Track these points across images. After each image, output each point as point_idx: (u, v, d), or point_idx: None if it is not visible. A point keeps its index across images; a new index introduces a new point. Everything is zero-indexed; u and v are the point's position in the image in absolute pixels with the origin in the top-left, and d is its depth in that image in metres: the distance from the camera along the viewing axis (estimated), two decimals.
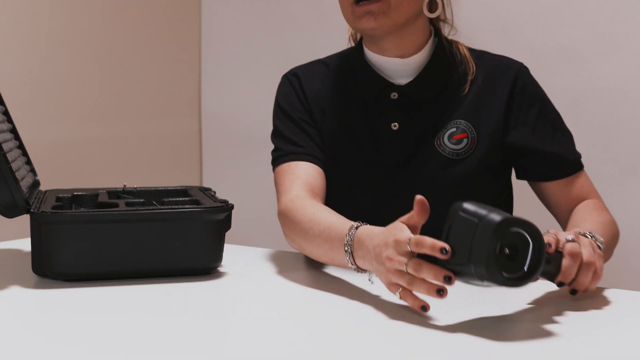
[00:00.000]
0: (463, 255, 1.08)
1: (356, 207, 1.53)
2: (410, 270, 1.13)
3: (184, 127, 3.15)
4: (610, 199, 1.67)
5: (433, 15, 1.54)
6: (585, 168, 1.57)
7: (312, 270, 1.46)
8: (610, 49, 2.39)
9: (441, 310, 1.15)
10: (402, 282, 1.15)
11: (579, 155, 1.57)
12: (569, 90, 2.39)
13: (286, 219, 1.46)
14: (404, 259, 1.14)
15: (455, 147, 1.52)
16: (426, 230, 1.18)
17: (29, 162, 1.66)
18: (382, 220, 1.43)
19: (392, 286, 1.17)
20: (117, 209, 1.39)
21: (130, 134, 2.92)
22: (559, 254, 1.19)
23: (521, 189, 1.65)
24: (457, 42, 1.60)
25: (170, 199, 1.51)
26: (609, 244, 1.41)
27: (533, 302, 1.23)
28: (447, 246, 1.09)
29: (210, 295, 1.32)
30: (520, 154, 1.55)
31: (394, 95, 1.55)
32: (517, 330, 1.13)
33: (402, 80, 1.56)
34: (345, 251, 1.28)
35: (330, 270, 1.44)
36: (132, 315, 1.20)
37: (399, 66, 1.55)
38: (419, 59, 1.55)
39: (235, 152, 3.12)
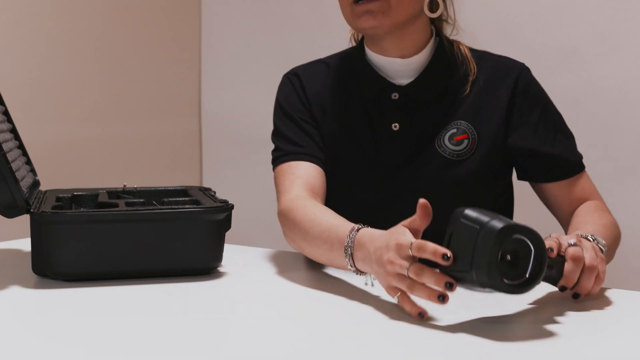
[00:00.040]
0: (465, 262, 1.08)
1: (356, 207, 1.53)
2: (412, 275, 1.13)
3: (184, 127, 3.15)
4: (610, 199, 1.67)
5: (434, 15, 1.54)
6: (586, 168, 1.57)
7: (312, 271, 1.46)
8: (610, 49, 2.39)
9: (441, 310, 1.15)
10: (402, 286, 1.15)
11: (580, 156, 1.57)
12: (569, 90, 2.39)
13: (286, 219, 1.45)
14: (405, 263, 1.13)
15: (456, 148, 1.52)
16: (426, 231, 1.18)
17: (29, 162, 1.66)
18: (382, 220, 1.43)
19: (391, 290, 1.17)
20: (117, 209, 1.39)
21: (130, 134, 2.92)
22: (561, 258, 1.19)
23: (522, 190, 1.65)
24: (458, 42, 1.59)
25: (170, 199, 1.51)
26: (611, 246, 1.40)
27: (534, 303, 1.23)
28: (449, 252, 1.09)
29: (210, 295, 1.32)
30: (522, 156, 1.54)
31: (395, 96, 1.55)
32: (517, 330, 1.13)
33: (403, 81, 1.55)
34: (345, 253, 1.28)
35: (331, 271, 1.43)
36: (132, 315, 1.20)
37: (399, 66, 1.55)
38: (419, 59, 1.55)
39: (235, 152, 3.12)
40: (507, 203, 1.62)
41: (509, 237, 1.08)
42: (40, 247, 1.35)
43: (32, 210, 1.37)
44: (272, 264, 1.52)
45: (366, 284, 1.28)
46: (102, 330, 1.12)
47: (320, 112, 1.59)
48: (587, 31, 2.41)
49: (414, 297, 1.15)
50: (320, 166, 1.55)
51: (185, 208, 1.41)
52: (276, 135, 1.60)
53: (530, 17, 2.51)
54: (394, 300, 1.17)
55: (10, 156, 1.41)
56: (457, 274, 1.10)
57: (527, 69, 1.58)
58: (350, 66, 1.60)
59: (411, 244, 1.13)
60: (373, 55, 1.57)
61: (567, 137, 1.57)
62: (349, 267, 1.28)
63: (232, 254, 1.51)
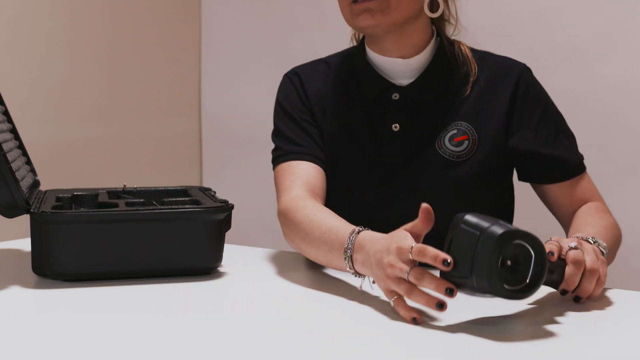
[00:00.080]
0: (465, 268, 1.08)
1: (356, 207, 1.53)
2: (412, 279, 1.13)
3: (184, 127, 3.15)
4: (610, 199, 1.67)
5: (434, 15, 1.53)
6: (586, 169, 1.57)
7: (312, 271, 1.46)
8: (610, 49, 2.39)
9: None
10: (400, 291, 1.14)
11: (581, 157, 1.56)
12: (569, 90, 2.39)
13: (286, 219, 1.45)
14: (405, 267, 1.13)
15: (456, 149, 1.52)
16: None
17: (29, 162, 1.66)
18: (382, 220, 1.43)
19: (389, 293, 1.17)
20: (117, 209, 1.39)
21: (130, 134, 2.92)
22: (562, 261, 1.19)
23: (523, 191, 1.65)
24: (459, 43, 1.59)
25: (170, 199, 1.51)
26: (612, 248, 1.40)
27: (534, 303, 1.23)
28: (449, 258, 1.09)
29: (210, 295, 1.32)
30: (523, 157, 1.54)
31: (395, 96, 1.54)
32: (517, 330, 1.13)
33: (404, 81, 1.55)
34: (345, 254, 1.27)
35: (331, 271, 1.43)
36: (132, 315, 1.20)
37: (400, 67, 1.55)
38: (420, 59, 1.55)
39: (235, 152, 3.12)
40: (507, 204, 1.62)
41: (509, 243, 1.07)
42: (40, 247, 1.35)
43: (32, 210, 1.37)
44: (272, 264, 1.52)
45: (362, 288, 1.27)
46: (102, 330, 1.12)
47: (321, 112, 1.58)
48: (587, 31, 2.41)
49: (410, 302, 1.15)
50: (321, 166, 1.54)
51: (185, 208, 1.41)
52: (276, 134, 1.60)
53: (530, 17, 2.51)
54: (392, 303, 1.17)
55: (10, 156, 1.41)
56: (457, 279, 1.10)
57: (528, 70, 1.57)
58: (351, 66, 1.60)
59: (412, 247, 1.13)
60: (374, 55, 1.57)
61: (568, 137, 1.56)
62: (348, 269, 1.28)
63: (232, 254, 1.51)
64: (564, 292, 1.20)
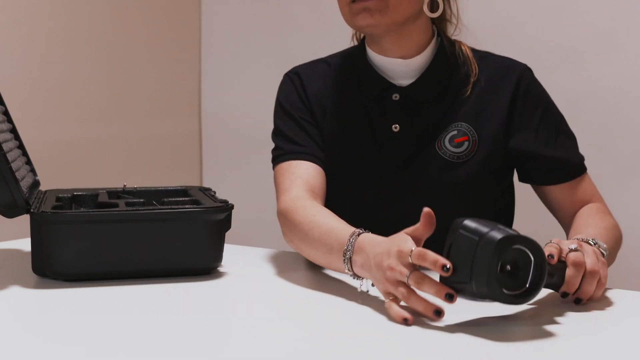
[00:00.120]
0: (464, 274, 1.08)
1: (356, 207, 1.53)
2: (412, 283, 1.12)
3: (184, 127, 3.15)
4: (610, 199, 1.67)
5: (433, 15, 1.53)
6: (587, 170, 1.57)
7: (312, 271, 1.46)
8: (611, 49, 2.39)
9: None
10: (398, 295, 1.14)
11: (582, 158, 1.56)
12: (569, 90, 2.39)
13: (286, 219, 1.45)
14: (405, 270, 1.13)
15: (456, 150, 1.51)
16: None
17: (29, 162, 1.66)
18: (382, 221, 1.43)
19: (387, 296, 1.17)
20: (117, 209, 1.39)
21: (130, 134, 2.92)
22: (562, 264, 1.19)
23: (523, 191, 1.65)
24: (460, 43, 1.58)
25: (170, 199, 1.51)
26: (612, 249, 1.40)
27: (534, 303, 1.23)
28: (448, 263, 1.09)
29: (210, 295, 1.32)
30: (523, 158, 1.54)
31: (396, 97, 1.54)
32: (517, 330, 1.13)
33: (404, 82, 1.55)
34: (344, 256, 1.27)
35: (331, 271, 1.43)
36: (132, 315, 1.20)
37: (400, 67, 1.55)
38: (421, 60, 1.55)
39: (235, 152, 3.12)
40: (508, 204, 1.62)
41: (509, 248, 1.07)
42: (40, 247, 1.35)
43: (32, 210, 1.37)
44: (272, 264, 1.51)
45: (361, 289, 1.27)
46: (102, 330, 1.12)
47: (321, 112, 1.58)
48: (587, 31, 2.41)
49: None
50: (321, 166, 1.54)
51: (185, 208, 1.41)
52: (276, 134, 1.60)
53: (530, 17, 2.51)
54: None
55: (10, 156, 1.41)
56: (456, 285, 1.09)
57: (529, 70, 1.57)
58: (351, 66, 1.60)
59: (411, 251, 1.13)
60: (374, 56, 1.56)
61: (569, 138, 1.56)
62: (346, 270, 1.28)
63: (232, 254, 1.51)
64: (564, 295, 1.20)
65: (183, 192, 1.59)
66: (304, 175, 1.51)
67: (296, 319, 1.19)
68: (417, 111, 1.54)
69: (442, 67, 1.55)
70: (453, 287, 1.10)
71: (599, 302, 1.24)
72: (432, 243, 1.16)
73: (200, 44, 3.18)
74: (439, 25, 1.59)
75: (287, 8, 2.99)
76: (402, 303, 1.15)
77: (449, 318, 1.13)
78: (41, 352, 1.03)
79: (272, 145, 1.60)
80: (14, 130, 1.64)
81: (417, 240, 1.16)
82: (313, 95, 1.59)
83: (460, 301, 1.15)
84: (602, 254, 1.27)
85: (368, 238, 1.25)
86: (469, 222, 1.09)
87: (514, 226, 1.68)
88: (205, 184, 3.04)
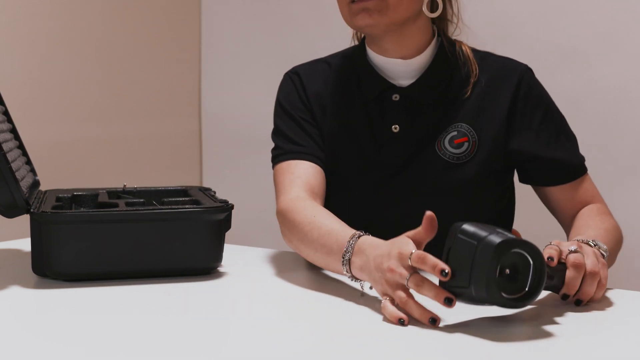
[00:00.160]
0: (463, 278, 1.08)
1: (355, 207, 1.53)
2: (412, 285, 1.12)
3: (184, 127, 3.15)
4: (610, 199, 1.67)
5: (433, 15, 1.53)
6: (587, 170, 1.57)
7: (312, 271, 1.46)
8: (611, 49, 2.39)
9: (441, 310, 1.14)
10: (396, 298, 1.14)
11: (582, 159, 1.55)
12: (569, 90, 2.39)
13: (285, 219, 1.45)
14: (405, 273, 1.13)
15: (456, 151, 1.51)
16: None
17: (29, 162, 1.66)
18: (382, 221, 1.43)
19: (385, 297, 1.17)
20: (117, 209, 1.39)
21: (130, 134, 2.92)
22: (562, 265, 1.19)
23: (523, 192, 1.65)
24: (460, 43, 1.58)
25: (170, 199, 1.51)
26: (613, 250, 1.39)
27: (534, 303, 1.23)
28: (447, 268, 1.08)
29: (210, 295, 1.32)
30: (524, 159, 1.53)
31: (396, 97, 1.54)
32: (517, 330, 1.13)
33: (404, 82, 1.55)
34: (343, 258, 1.27)
35: (331, 272, 1.43)
36: (132, 315, 1.20)
37: (400, 67, 1.54)
38: (421, 60, 1.54)
39: (235, 152, 3.12)
40: (508, 205, 1.62)
41: (507, 252, 1.07)
42: (40, 247, 1.35)
43: (32, 210, 1.37)
44: (272, 264, 1.51)
45: (362, 292, 1.27)
46: (102, 330, 1.12)
47: (321, 112, 1.58)
48: (587, 31, 2.41)
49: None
50: (320, 166, 1.54)
51: (185, 208, 1.41)
52: (276, 134, 1.60)
53: (530, 17, 2.50)
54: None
55: (10, 156, 1.41)
56: (455, 289, 1.09)
57: (530, 71, 1.56)
58: (351, 66, 1.60)
59: (411, 253, 1.13)
60: (374, 56, 1.56)
61: (569, 139, 1.56)
62: (345, 272, 1.28)
63: (232, 254, 1.51)
64: (565, 297, 1.20)
65: (183, 192, 1.59)
66: (304, 175, 1.51)
67: (296, 319, 1.19)
68: (417, 112, 1.53)
69: (442, 67, 1.55)
70: (452, 291, 1.09)
71: (599, 302, 1.24)
72: (432, 247, 1.16)
73: (200, 44, 3.18)
74: (439, 25, 1.59)
75: (287, 8, 2.99)
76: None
77: (449, 318, 1.13)
78: (41, 352, 1.03)
79: (272, 145, 1.60)
80: (14, 130, 1.64)
81: (418, 244, 1.16)
82: (313, 95, 1.59)
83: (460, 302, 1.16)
84: (603, 255, 1.27)
85: (369, 240, 1.25)
86: (467, 227, 1.09)
87: (515, 227, 1.68)
88: (205, 184, 3.04)
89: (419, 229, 1.16)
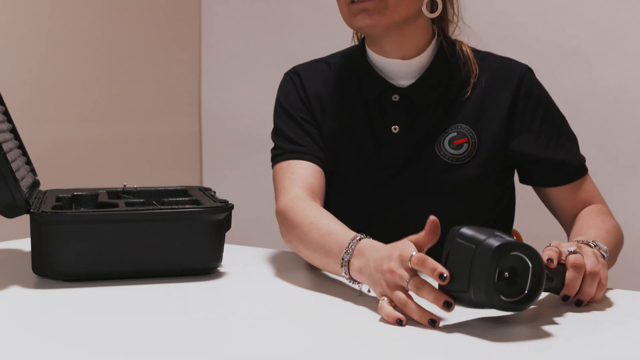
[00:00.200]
0: (462, 282, 1.08)
1: (355, 207, 1.53)
2: (411, 287, 1.12)
3: (184, 127, 3.15)
4: (610, 199, 1.67)
5: (432, 16, 1.52)
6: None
7: (312, 271, 1.46)
8: (611, 49, 2.39)
9: (440, 311, 1.14)
10: (395, 300, 1.14)
11: (583, 159, 1.55)
12: (569, 90, 2.39)
13: (285, 219, 1.45)
14: (406, 275, 1.13)
15: (455, 152, 1.51)
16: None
17: (29, 162, 1.66)
18: (382, 221, 1.43)
19: (383, 298, 1.17)
20: (117, 209, 1.39)
21: (130, 134, 2.92)
22: (562, 267, 1.19)
23: (524, 192, 1.65)
24: (461, 43, 1.58)
25: (170, 199, 1.51)
26: (613, 251, 1.39)
27: (534, 302, 1.23)
28: (446, 272, 1.08)
29: (210, 295, 1.32)
30: (524, 160, 1.53)
31: (395, 98, 1.54)
32: (517, 330, 1.13)
33: (404, 82, 1.55)
34: (342, 260, 1.26)
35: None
36: (132, 315, 1.20)
37: (400, 68, 1.54)
38: (421, 60, 1.54)
39: (235, 152, 3.12)
40: (508, 205, 1.61)
41: (506, 255, 1.07)
42: (40, 247, 1.35)
43: (32, 210, 1.37)
44: (272, 264, 1.51)
45: (360, 293, 1.27)
46: (102, 330, 1.12)
47: (321, 112, 1.58)
48: (587, 31, 2.41)
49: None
50: (320, 166, 1.54)
51: (185, 208, 1.41)
52: (276, 133, 1.60)
53: (531, 17, 2.50)
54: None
55: (10, 156, 1.41)
56: (455, 293, 1.09)
57: (530, 71, 1.56)
58: (351, 66, 1.59)
59: (412, 256, 1.13)
60: (374, 56, 1.56)
61: (570, 139, 1.55)
62: (343, 274, 1.27)
63: (232, 254, 1.51)
64: (565, 298, 1.20)
65: (183, 192, 1.59)
66: (304, 175, 1.51)
67: (296, 319, 1.19)
68: (417, 112, 1.53)
69: (442, 67, 1.54)
70: (451, 295, 1.09)
71: (599, 302, 1.24)
72: (431, 250, 1.16)
73: (200, 44, 3.18)
74: (439, 25, 1.59)
75: (287, 8, 2.99)
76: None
77: (449, 318, 1.13)
78: (41, 352, 1.03)
79: (272, 145, 1.60)
80: (14, 130, 1.64)
81: (420, 248, 1.15)
82: (313, 95, 1.59)
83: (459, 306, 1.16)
84: (603, 255, 1.27)
85: (370, 243, 1.24)
86: (465, 230, 1.09)
87: (515, 227, 1.68)
88: (205, 184, 3.04)
89: (422, 233, 1.16)
